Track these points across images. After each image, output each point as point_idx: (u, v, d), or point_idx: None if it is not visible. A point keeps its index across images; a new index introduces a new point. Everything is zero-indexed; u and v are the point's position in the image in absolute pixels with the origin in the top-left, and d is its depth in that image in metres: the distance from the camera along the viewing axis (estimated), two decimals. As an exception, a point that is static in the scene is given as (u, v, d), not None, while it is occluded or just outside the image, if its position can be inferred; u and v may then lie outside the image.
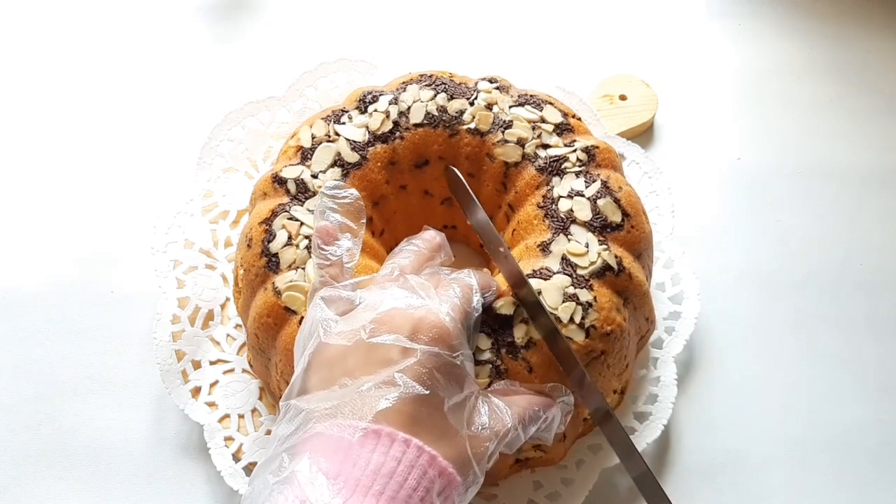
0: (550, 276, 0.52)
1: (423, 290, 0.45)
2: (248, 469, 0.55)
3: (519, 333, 0.50)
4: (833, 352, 0.63)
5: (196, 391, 0.57)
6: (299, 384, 0.43)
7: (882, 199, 0.70)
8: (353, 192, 0.49)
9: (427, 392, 0.41)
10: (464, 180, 0.53)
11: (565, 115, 0.59)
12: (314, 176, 0.56)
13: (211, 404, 0.57)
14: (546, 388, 0.50)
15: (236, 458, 0.55)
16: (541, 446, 0.53)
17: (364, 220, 0.49)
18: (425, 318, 0.43)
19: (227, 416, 0.56)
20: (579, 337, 0.50)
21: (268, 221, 0.54)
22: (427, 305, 0.44)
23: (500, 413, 0.45)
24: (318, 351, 0.43)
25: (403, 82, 0.61)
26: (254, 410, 0.57)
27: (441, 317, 0.44)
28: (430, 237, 0.52)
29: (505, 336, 0.50)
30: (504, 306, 0.51)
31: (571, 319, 0.50)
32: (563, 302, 0.51)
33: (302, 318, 0.51)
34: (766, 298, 0.65)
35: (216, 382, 0.58)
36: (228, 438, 0.56)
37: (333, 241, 0.48)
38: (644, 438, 0.56)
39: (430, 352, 0.42)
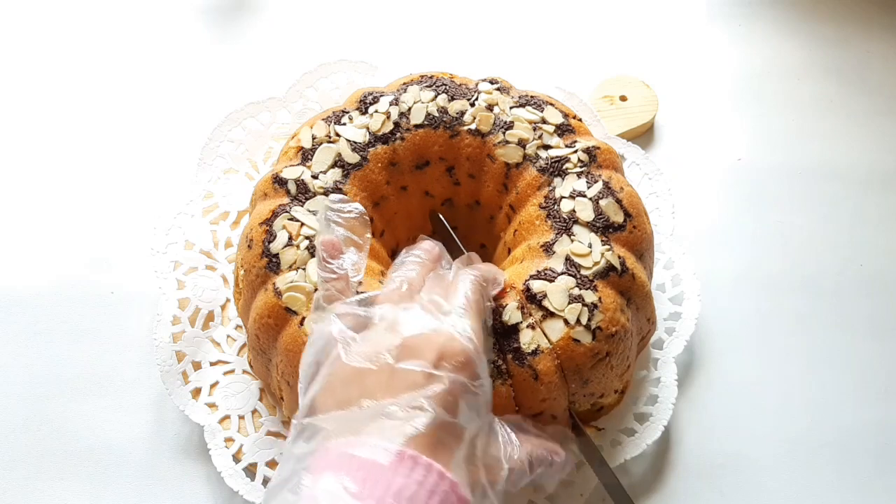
0: (555, 278, 0.52)
1: (440, 308, 0.45)
2: (249, 470, 0.55)
3: (525, 339, 0.50)
4: (834, 352, 0.63)
5: (196, 392, 0.57)
6: (314, 402, 0.42)
7: (883, 200, 0.70)
8: (358, 206, 0.49)
9: (454, 420, 0.41)
10: (449, 228, 0.54)
11: (566, 115, 0.59)
12: (315, 177, 0.56)
13: (211, 405, 0.57)
14: (551, 431, 0.50)
15: (236, 458, 0.55)
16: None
17: (369, 235, 0.49)
18: (450, 345, 0.43)
19: (227, 416, 0.56)
20: (586, 339, 0.50)
21: (268, 222, 0.54)
22: (449, 330, 0.44)
23: (512, 446, 0.45)
24: (337, 370, 0.43)
25: (404, 83, 0.61)
26: (254, 411, 0.57)
27: (465, 344, 0.44)
28: (430, 247, 0.51)
29: (510, 342, 0.50)
30: (510, 314, 0.51)
31: (578, 321, 0.50)
32: (569, 303, 0.51)
33: (303, 318, 0.51)
34: (766, 299, 0.65)
35: (216, 383, 0.58)
36: (229, 439, 0.56)
37: (339, 255, 0.47)
38: (644, 440, 0.56)
39: (455, 380, 0.42)
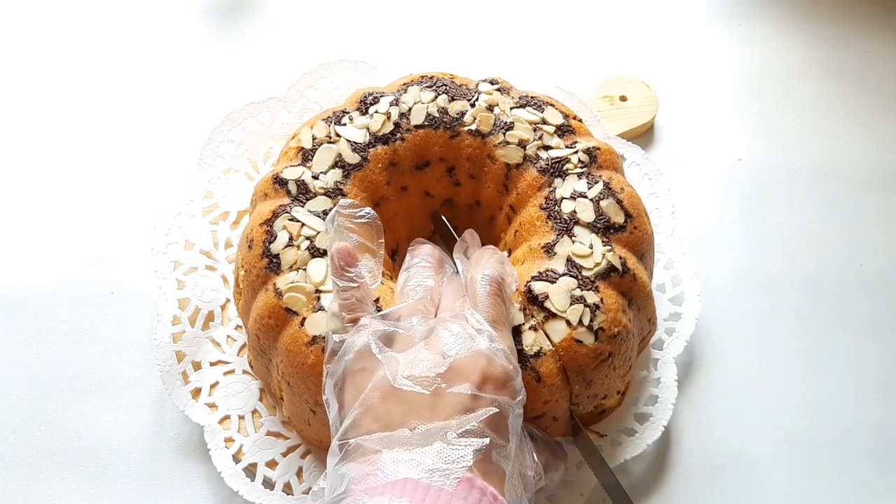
0: (556, 279, 0.52)
1: (474, 324, 0.45)
2: (249, 470, 0.55)
3: (528, 341, 0.50)
4: (834, 353, 0.63)
5: (196, 392, 0.57)
6: (356, 422, 0.42)
7: (883, 200, 0.70)
8: (370, 211, 0.49)
9: (505, 443, 0.42)
10: (452, 230, 0.54)
11: (566, 116, 0.59)
12: (315, 177, 0.56)
13: (211, 405, 0.57)
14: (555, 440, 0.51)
15: (237, 459, 0.55)
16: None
17: (382, 240, 0.49)
18: (492, 366, 0.44)
19: (227, 417, 0.56)
20: (589, 340, 0.50)
21: (269, 222, 0.54)
22: (488, 351, 0.44)
23: (532, 453, 0.47)
24: (384, 392, 0.43)
25: (404, 83, 0.61)
26: (254, 412, 0.57)
27: (505, 365, 0.44)
28: (431, 251, 0.51)
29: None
30: (512, 316, 0.51)
31: (580, 322, 0.50)
32: (571, 305, 0.51)
33: (303, 319, 0.51)
34: (766, 299, 0.65)
35: (216, 383, 0.58)
36: (229, 439, 0.55)
37: (355, 263, 0.47)
38: (644, 440, 0.56)
39: (505, 403, 0.43)
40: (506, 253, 0.53)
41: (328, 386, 0.45)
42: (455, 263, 0.51)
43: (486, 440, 0.41)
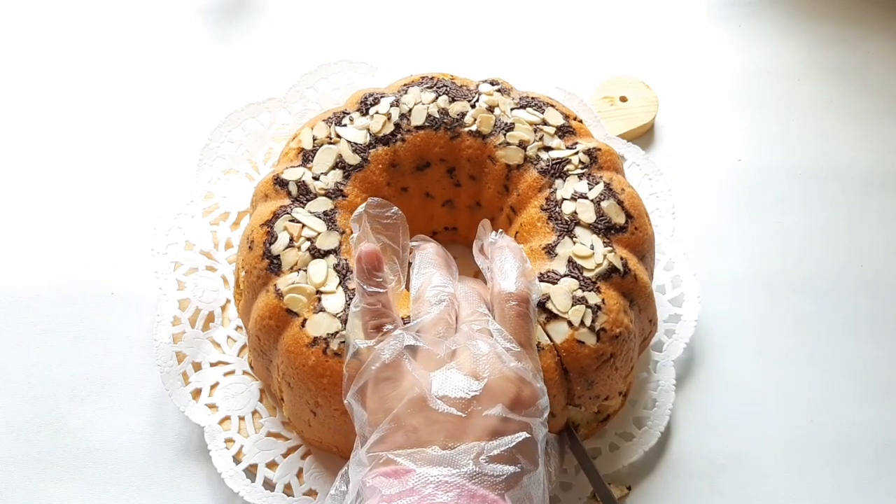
0: (558, 280, 0.52)
1: (503, 342, 0.45)
2: (249, 471, 0.55)
3: None
4: (834, 353, 0.63)
5: (196, 393, 0.57)
6: (385, 436, 0.42)
7: (883, 201, 0.70)
8: (397, 210, 0.48)
9: (536, 468, 0.42)
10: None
11: (566, 117, 0.59)
12: (316, 178, 0.56)
13: (211, 406, 0.57)
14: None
15: (237, 459, 0.55)
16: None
17: (408, 240, 0.48)
18: (523, 390, 0.44)
19: (227, 417, 0.56)
20: (591, 340, 0.50)
21: (269, 223, 0.54)
22: (520, 373, 0.44)
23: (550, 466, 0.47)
24: (415, 409, 0.42)
25: (405, 84, 0.61)
26: (254, 412, 0.57)
27: (535, 387, 0.44)
28: (437, 251, 0.51)
29: None
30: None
31: (582, 323, 0.50)
32: (573, 305, 0.51)
33: (305, 320, 0.51)
34: (766, 300, 0.65)
35: (217, 384, 0.58)
36: (229, 440, 0.55)
37: (382, 267, 0.46)
38: (642, 445, 0.56)
39: (534, 424, 0.43)
40: (522, 247, 0.53)
41: (352, 391, 0.45)
42: (472, 262, 0.50)
43: (518, 468, 0.41)
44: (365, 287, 0.46)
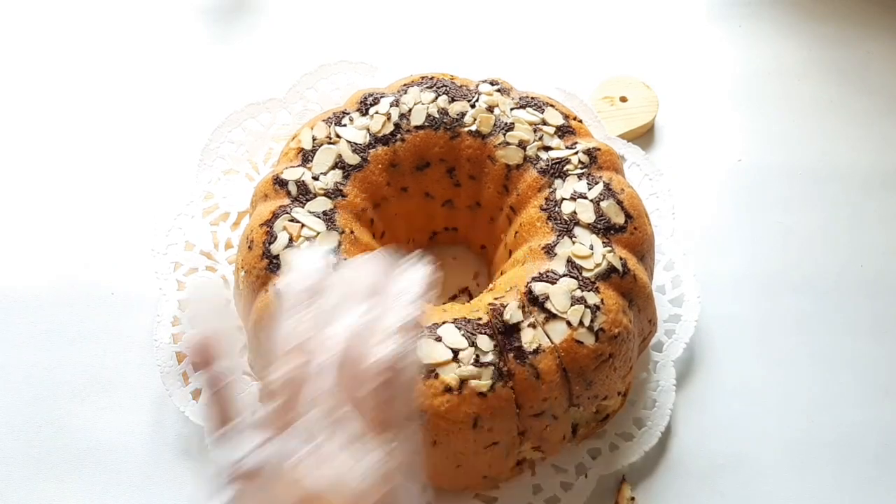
0: (557, 280, 0.52)
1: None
2: (249, 471, 0.55)
3: (526, 338, 0.50)
4: (834, 353, 0.63)
5: (197, 393, 0.57)
6: None
7: (883, 201, 0.70)
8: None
9: None
10: None
11: (566, 117, 0.59)
12: (315, 178, 0.56)
13: (212, 406, 0.57)
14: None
15: (237, 460, 0.55)
16: (540, 447, 0.53)
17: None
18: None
19: (227, 418, 0.56)
20: (589, 340, 0.50)
21: (269, 223, 0.54)
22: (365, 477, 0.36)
23: None
24: None
25: (404, 84, 0.61)
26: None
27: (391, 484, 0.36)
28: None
29: (512, 341, 0.50)
30: (511, 314, 0.51)
31: (581, 323, 0.50)
32: (572, 305, 0.51)
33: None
34: (766, 300, 0.65)
35: (217, 384, 0.57)
36: (229, 440, 0.55)
37: (211, 360, 0.38)
38: (642, 446, 0.56)
39: None
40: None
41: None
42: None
43: None
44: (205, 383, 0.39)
